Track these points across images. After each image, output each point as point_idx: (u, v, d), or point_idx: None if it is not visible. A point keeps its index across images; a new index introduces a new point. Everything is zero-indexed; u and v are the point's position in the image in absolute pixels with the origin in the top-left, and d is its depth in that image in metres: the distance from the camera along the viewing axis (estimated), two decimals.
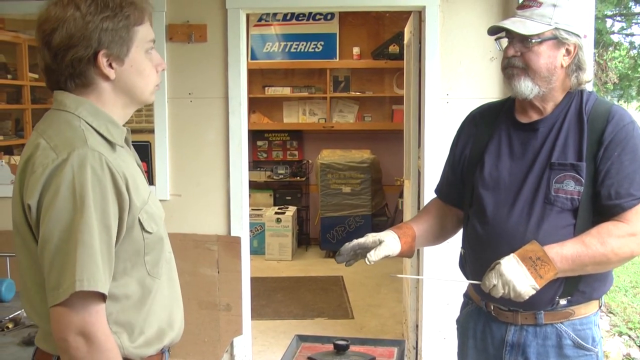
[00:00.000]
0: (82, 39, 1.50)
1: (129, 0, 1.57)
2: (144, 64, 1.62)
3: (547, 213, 1.93)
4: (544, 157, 1.97)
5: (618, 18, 10.58)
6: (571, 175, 1.92)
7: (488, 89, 3.80)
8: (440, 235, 2.24)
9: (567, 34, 1.92)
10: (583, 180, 1.90)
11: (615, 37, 10.59)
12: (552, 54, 1.93)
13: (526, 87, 1.94)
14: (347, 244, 2.01)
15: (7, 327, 2.58)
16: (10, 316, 2.65)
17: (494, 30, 2.01)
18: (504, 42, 2.01)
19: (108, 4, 1.53)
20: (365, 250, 1.99)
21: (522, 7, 1.98)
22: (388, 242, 2.00)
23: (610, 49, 10.42)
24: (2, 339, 2.49)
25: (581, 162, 1.91)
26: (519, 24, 1.93)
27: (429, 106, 3.84)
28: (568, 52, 1.94)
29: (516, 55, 1.95)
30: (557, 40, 1.92)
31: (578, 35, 1.94)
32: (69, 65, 1.53)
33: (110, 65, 1.56)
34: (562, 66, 1.94)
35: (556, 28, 1.91)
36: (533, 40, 1.91)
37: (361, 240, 2.01)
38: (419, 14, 3.95)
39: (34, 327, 2.52)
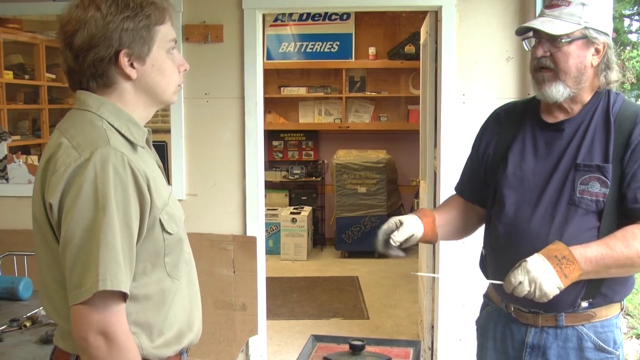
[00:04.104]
0: (103, 39, 1.51)
1: (150, 0, 1.57)
2: (166, 64, 1.62)
3: (572, 215, 1.89)
4: (569, 158, 1.93)
5: (636, 17, 10.49)
6: (596, 177, 1.88)
7: (504, 89, 3.78)
8: (462, 228, 2.21)
9: (596, 33, 1.89)
10: (609, 182, 1.87)
11: (633, 37, 10.50)
12: (582, 53, 1.90)
13: (557, 91, 1.91)
14: (376, 239, 2.00)
15: (25, 326, 2.59)
16: (28, 314, 2.67)
17: (522, 31, 1.98)
18: (532, 43, 1.97)
19: (129, 4, 1.53)
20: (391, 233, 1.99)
21: (550, 6, 1.94)
22: (410, 222, 2.00)
23: (628, 48, 10.33)
24: (20, 337, 2.51)
25: (607, 164, 1.88)
26: (548, 24, 1.89)
27: (445, 106, 3.82)
28: (597, 51, 1.91)
29: (545, 55, 1.92)
30: (586, 40, 1.89)
31: (607, 34, 1.90)
32: (90, 66, 1.53)
33: (131, 65, 1.56)
34: (591, 65, 1.91)
35: (585, 27, 1.88)
36: (562, 40, 1.88)
37: (384, 227, 2.01)
38: (436, 14, 3.94)
39: (51, 326, 2.54)
